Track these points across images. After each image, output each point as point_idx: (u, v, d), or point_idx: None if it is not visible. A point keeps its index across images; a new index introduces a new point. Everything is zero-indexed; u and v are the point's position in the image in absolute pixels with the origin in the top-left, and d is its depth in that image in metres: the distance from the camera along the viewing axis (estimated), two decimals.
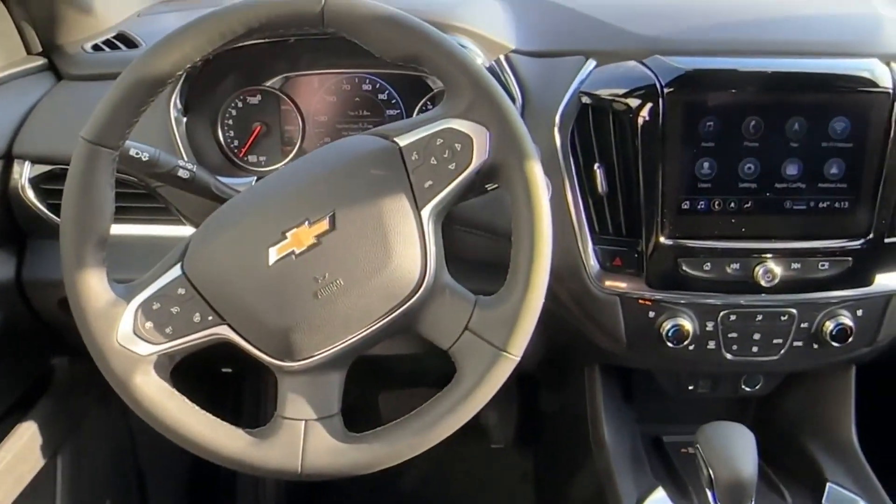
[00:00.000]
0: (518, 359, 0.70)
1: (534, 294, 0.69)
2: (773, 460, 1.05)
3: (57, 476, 1.10)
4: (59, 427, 1.09)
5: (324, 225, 0.69)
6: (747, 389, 1.06)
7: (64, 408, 1.12)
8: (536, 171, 0.69)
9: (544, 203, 0.69)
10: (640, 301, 0.92)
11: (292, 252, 0.69)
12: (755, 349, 0.94)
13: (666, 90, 0.86)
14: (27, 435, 1.02)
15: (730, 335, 0.93)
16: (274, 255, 0.69)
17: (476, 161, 0.70)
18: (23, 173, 0.94)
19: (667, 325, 0.92)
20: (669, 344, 0.92)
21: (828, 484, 0.97)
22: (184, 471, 1.41)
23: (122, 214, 0.89)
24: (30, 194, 0.95)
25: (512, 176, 0.70)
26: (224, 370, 1.27)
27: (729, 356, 0.94)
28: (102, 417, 1.20)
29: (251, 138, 1.02)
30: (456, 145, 0.70)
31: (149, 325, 0.70)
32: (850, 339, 0.93)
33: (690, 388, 1.07)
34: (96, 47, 1.03)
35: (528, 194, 0.69)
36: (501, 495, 1.59)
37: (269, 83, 1.02)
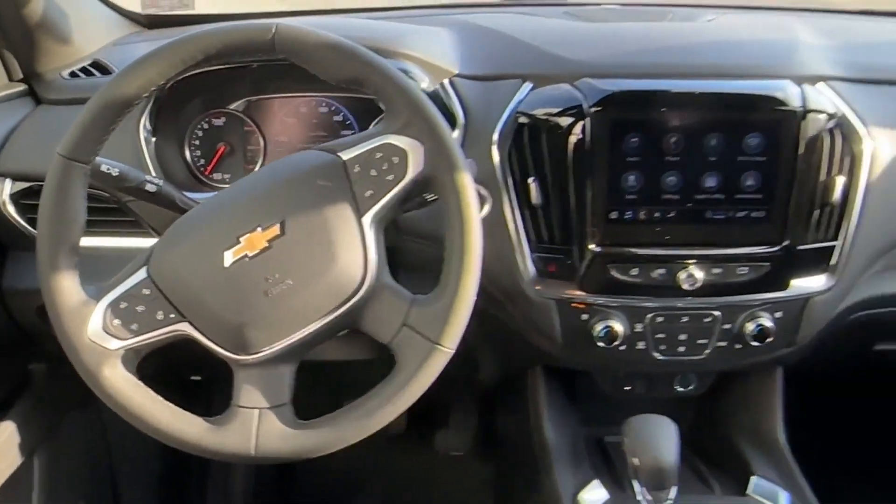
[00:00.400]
0: (452, 351, 0.77)
1: (465, 292, 0.76)
2: (706, 456, 1.12)
3: (34, 476, 1.15)
4: (36, 429, 1.15)
5: (275, 230, 0.77)
6: (681, 390, 1.13)
7: (41, 411, 1.17)
8: (466, 181, 0.77)
9: (473, 209, 0.76)
10: (574, 304, 1.00)
11: (246, 255, 0.76)
12: (682, 349, 1.01)
13: (592, 110, 0.94)
14: (4, 435, 1.08)
15: (657, 336, 1.00)
16: (229, 257, 0.76)
17: (411, 172, 0.77)
18: (4, 190, 1.01)
19: (598, 327, 0.99)
20: (601, 344, 0.99)
21: (753, 476, 1.03)
22: (156, 474, 1.46)
23: (95, 227, 0.96)
24: (10, 209, 1.02)
25: (444, 185, 0.77)
26: (193, 378, 1.33)
27: (658, 356, 1.02)
28: (78, 422, 1.25)
29: (216, 157, 1.10)
30: (394, 158, 0.77)
31: (116, 322, 0.77)
32: (770, 340, 1.00)
33: (627, 388, 1.14)
34: (73, 74, 1.10)
35: (459, 202, 0.76)
36: (461, 503, 1.64)
37: (232, 106, 1.10)
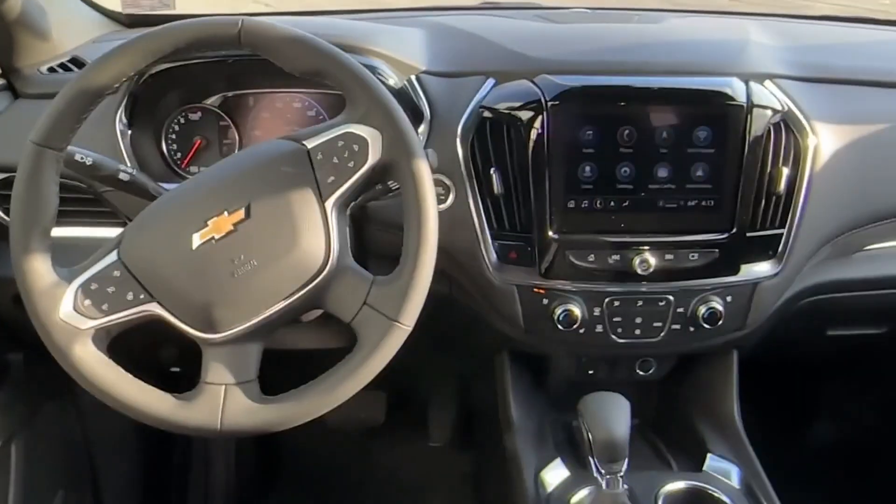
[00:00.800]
0: (409, 329, 0.80)
1: (422, 272, 0.80)
2: (666, 436, 1.17)
3: (11, 465, 1.18)
4: (13, 416, 1.18)
5: (240, 214, 0.80)
6: (642, 373, 1.17)
7: (18, 399, 1.20)
8: (422, 167, 0.81)
9: (429, 194, 0.80)
10: (535, 289, 1.04)
11: (213, 238, 0.80)
12: (638, 332, 1.06)
13: (550, 104, 0.99)
14: None
15: (615, 319, 1.05)
16: (197, 240, 0.80)
17: (371, 159, 0.81)
18: None
19: (558, 311, 1.03)
20: (560, 327, 1.03)
21: (708, 454, 1.08)
22: (136, 467, 1.49)
23: (69, 217, 1.00)
24: None
25: (402, 171, 0.81)
26: (172, 370, 1.36)
27: (616, 338, 1.06)
28: (56, 412, 1.28)
29: (192, 151, 1.14)
30: (354, 146, 0.81)
31: (87, 302, 0.80)
32: (721, 323, 1.05)
33: (591, 372, 1.18)
34: (51, 70, 1.14)
35: (415, 187, 0.80)
36: (441, 495, 1.68)
37: (209, 101, 1.14)
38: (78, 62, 1.15)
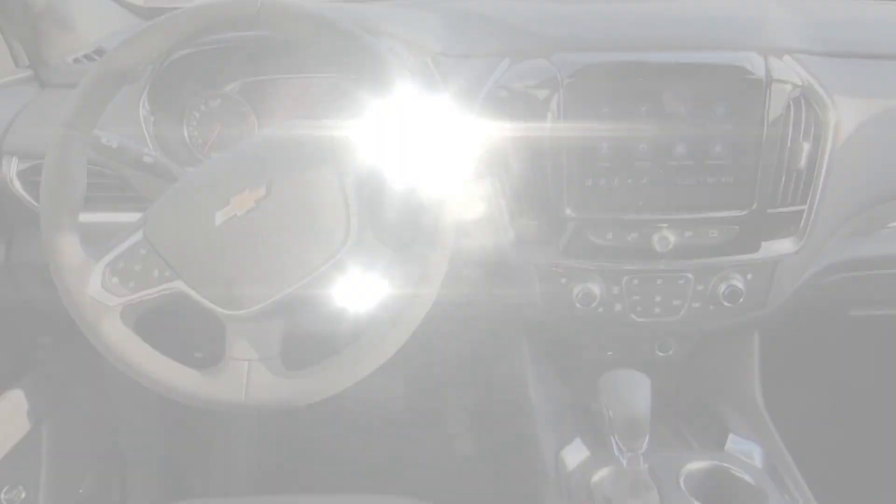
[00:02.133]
0: (430, 301, 0.82)
1: (441, 244, 0.81)
2: (687, 417, 1.16)
3: (42, 448, 1.21)
4: (43, 399, 1.20)
5: (261, 192, 0.82)
6: (661, 354, 1.17)
7: (47, 384, 1.23)
8: (441, 141, 0.82)
9: (447, 167, 0.82)
10: (553, 268, 1.04)
11: (235, 215, 0.82)
12: (658, 310, 1.05)
13: (566, 81, 0.99)
14: (12, 404, 1.14)
15: (634, 297, 1.05)
16: (220, 217, 0.82)
17: None
18: (11, 167, 1.07)
19: (577, 290, 1.03)
20: (579, 306, 1.03)
21: (730, 435, 1.07)
22: (162, 450, 1.51)
23: (96, 203, 1.02)
24: (17, 185, 1.07)
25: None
26: (196, 355, 1.38)
27: (635, 317, 1.06)
28: (84, 396, 1.31)
29: (213, 137, 1.16)
30: None
31: (115, 280, 0.82)
32: (742, 301, 1.04)
33: (610, 353, 1.18)
34: (77, 60, 1.16)
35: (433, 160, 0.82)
36: (460, 479, 1.68)
37: (229, 88, 1.15)
38: (103, 53, 1.18)
